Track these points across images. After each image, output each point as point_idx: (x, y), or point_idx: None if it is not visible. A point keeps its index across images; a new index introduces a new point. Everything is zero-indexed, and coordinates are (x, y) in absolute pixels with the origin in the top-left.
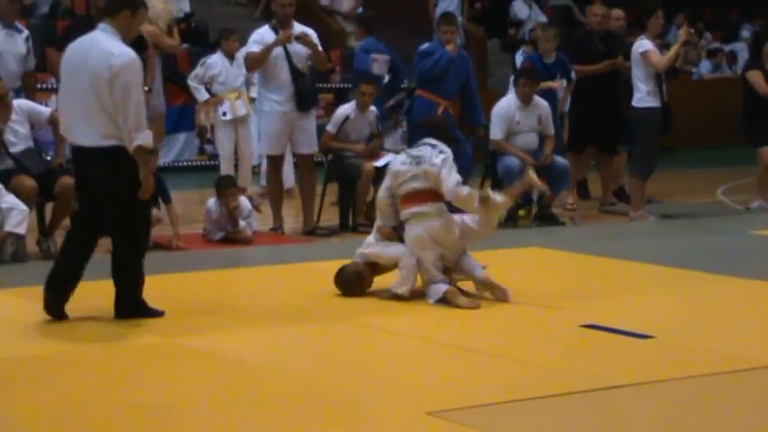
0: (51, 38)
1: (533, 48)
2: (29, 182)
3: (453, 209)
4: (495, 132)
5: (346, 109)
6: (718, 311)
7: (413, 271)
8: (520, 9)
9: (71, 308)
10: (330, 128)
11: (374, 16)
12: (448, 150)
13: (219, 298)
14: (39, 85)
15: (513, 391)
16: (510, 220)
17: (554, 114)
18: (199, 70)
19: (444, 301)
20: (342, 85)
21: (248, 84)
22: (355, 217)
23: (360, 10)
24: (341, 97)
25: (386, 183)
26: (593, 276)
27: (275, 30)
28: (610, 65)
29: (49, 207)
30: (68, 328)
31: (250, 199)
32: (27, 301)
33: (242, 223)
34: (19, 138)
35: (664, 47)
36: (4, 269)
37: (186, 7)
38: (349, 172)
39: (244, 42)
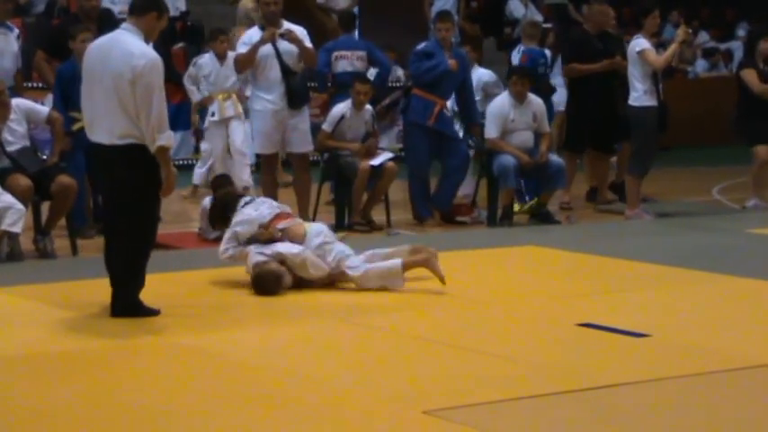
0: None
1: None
2: (24, 181)
3: None
4: (491, 131)
5: (342, 108)
6: (714, 310)
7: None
8: (516, 8)
9: (67, 307)
10: (326, 127)
11: (352, 13)
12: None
13: (215, 297)
14: (34, 84)
15: (509, 389)
16: (505, 219)
17: (549, 113)
18: (191, 70)
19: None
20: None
21: (246, 82)
22: (351, 216)
23: (356, 9)
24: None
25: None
26: (589, 275)
27: (264, 29)
28: (609, 64)
29: (45, 206)
30: (64, 326)
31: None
32: (22, 299)
33: None
34: (16, 137)
35: (660, 46)
36: (0, 268)
37: (182, 6)
38: (345, 171)
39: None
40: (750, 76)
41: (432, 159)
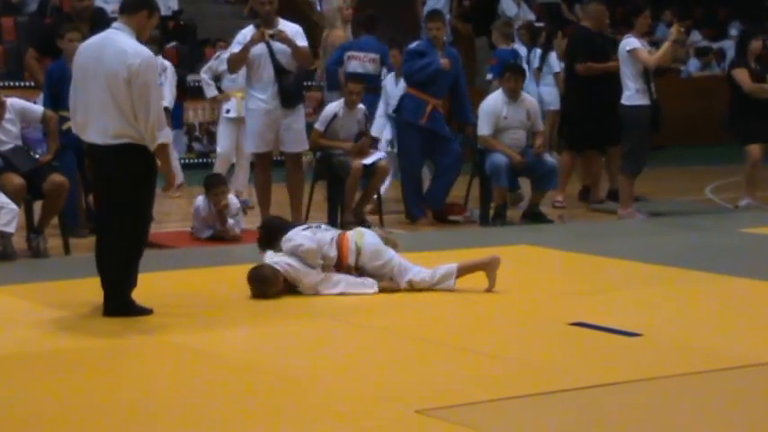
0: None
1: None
2: (17, 179)
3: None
4: (483, 128)
5: (334, 107)
6: (706, 309)
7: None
8: (508, 6)
9: (59, 306)
10: (318, 125)
11: (373, 15)
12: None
13: (207, 296)
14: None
15: (502, 389)
16: (498, 218)
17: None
18: (213, 63)
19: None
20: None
21: None
22: (344, 215)
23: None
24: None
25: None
26: (582, 274)
27: (259, 28)
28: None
29: (38, 205)
30: (56, 325)
31: (244, 201)
32: (15, 298)
33: (230, 221)
34: (10, 137)
35: (653, 44)
36: None
37: (174, 5)
38: (337, 170)
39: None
40: (742, 75)
41: (424, 158)
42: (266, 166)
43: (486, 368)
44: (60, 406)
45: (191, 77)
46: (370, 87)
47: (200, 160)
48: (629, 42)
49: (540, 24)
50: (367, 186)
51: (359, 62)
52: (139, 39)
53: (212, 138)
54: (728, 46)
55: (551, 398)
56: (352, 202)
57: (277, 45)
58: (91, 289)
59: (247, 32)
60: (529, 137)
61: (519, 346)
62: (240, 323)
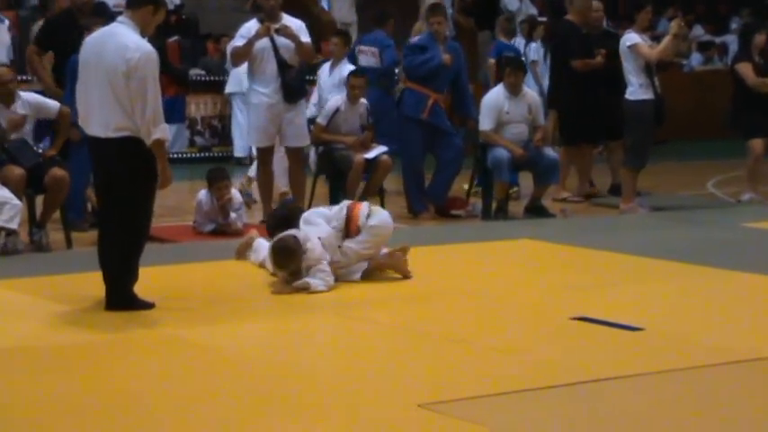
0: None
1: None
2: (17, 171)
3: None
4: (485, 123)
5: (337, 101)
6: (709, 304)
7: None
8: (510, 1)
9: (61, 300)
10: (320, 120)
11: (384, 10)
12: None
13: (209, 290)
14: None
15: (504, 383)
16: (500, 213)
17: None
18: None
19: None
20: None
21: None
22: None
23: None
24: None
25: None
26: (584, 268)
27: (262, 23)
28: (603, 57)
29: (40, 200)
30: (58, 320)
31: (247, 195)
32: (17, 292)
33: (233, 215)
34: (21, 132)
35: (655, 39)
36: None
37: None
38: (339, 164)
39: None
40: (745, 69)
41: (426, 153)
42: (268, 160)
43: (487, 362)
44: (62, 399)
45: (193, 71)
46: (372, 81)
47: (202, 155)
48: (630, 38)
49: (543, 19)
50: (369, 181)
51: (365, 56)
52: (143, 33)
53: (214, 132)
54: (731, 40)
55: (553, 392)
56: (354, 196)
57: (280, 40)
58: (93, 283)
59: (251, 26)
60: (530, 131)
61: (521, 340)
62: (241, 317)
